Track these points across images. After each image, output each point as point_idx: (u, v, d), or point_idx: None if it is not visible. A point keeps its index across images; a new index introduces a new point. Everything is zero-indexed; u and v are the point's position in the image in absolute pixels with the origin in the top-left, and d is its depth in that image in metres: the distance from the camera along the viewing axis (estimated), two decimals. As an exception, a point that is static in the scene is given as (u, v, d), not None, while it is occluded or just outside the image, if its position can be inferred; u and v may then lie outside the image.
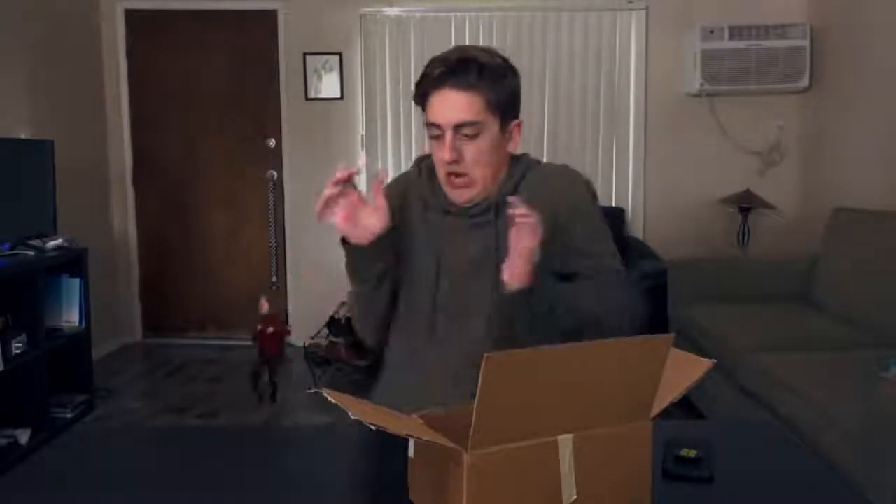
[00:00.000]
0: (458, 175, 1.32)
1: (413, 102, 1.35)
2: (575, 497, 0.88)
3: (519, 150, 1.43)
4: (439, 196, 1.40)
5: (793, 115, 4.31)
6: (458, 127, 1.28)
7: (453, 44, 4.37)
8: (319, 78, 4.49)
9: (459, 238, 1.37)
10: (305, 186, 4.55)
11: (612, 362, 0.89)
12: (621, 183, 4.45)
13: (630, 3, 4.34)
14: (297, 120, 4.53)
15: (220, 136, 4.62)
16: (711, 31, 4.11)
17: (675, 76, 4.34)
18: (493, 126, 1.30)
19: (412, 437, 0.86)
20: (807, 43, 4.06)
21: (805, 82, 4.11)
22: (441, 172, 1.35)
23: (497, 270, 1.24)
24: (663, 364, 0.91)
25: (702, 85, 4.15)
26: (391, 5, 4.39)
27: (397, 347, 1.45)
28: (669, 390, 0.94)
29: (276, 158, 4.60)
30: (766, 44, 4.08)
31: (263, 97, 4.56)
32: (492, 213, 1.36)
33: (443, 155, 1.29)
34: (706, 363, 0.99)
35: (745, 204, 4.23)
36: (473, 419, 0.82)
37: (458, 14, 4.38)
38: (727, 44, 4.10)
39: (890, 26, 3.40)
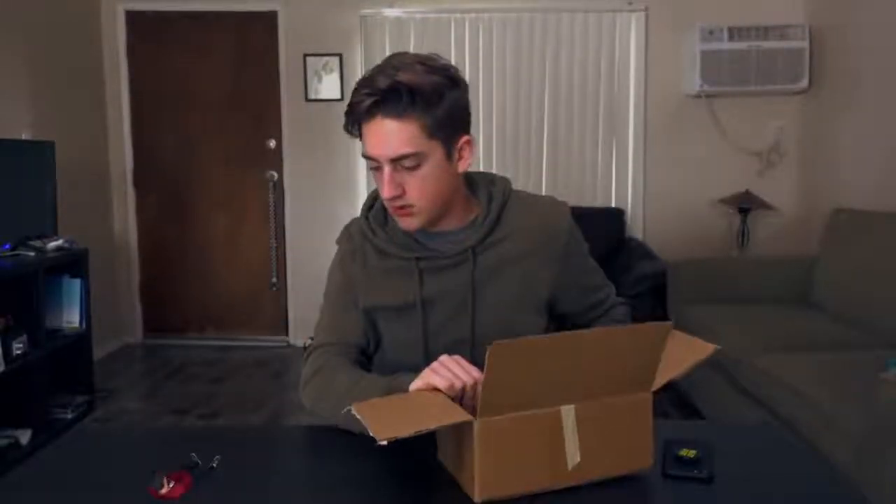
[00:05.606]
0: (402, 206, 1.22)
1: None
2: (578, 460, 0.96)
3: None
4: (395, 240, 1.30)
5: (792, 116, 4.32)
6: (395, 160, 1.16)
7: (453, 45, 4.43)
8: (319, 79, 4.49)
9: (435, 287, 1.27)
10: (306, 187, 4.56)
11: (612, 347, 0.97)
12: (621, 183, 4.46)
13: (630, 4, 4.34)
14: (298, 121, 4.54)
15: (221, 137, 4.62)
16: (711, 33, 4.11)
17: (675, 77, 4.34)
18: (435, 152, 1.18)
19: (422, 431, 0.91)
20: (806, 44, 4.07)
21: (804, 83, 4.11)
22: (386, 203, 1.25)
23: (473, 311, 1.25)
24: (662, 347, 0.98)
25: (701, 86, 4.15)
26: (391, 6, 4.40)
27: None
28: (672, 367, 1.01)
29: (276, 159, 4.60)
30: (765, 45, 4.09)
31: (264, 98, 4.57)
32: (469, 256, 1.26)
33: (382, 192, 1.20)
34: (710, 347, 1.07)
35: (745, 204, 4.24)
36: (480, 397, 0.92)
37: (458, 15, 4.39)
38: (726, 45, 4.10)
39: (889, 27, 3.41)
